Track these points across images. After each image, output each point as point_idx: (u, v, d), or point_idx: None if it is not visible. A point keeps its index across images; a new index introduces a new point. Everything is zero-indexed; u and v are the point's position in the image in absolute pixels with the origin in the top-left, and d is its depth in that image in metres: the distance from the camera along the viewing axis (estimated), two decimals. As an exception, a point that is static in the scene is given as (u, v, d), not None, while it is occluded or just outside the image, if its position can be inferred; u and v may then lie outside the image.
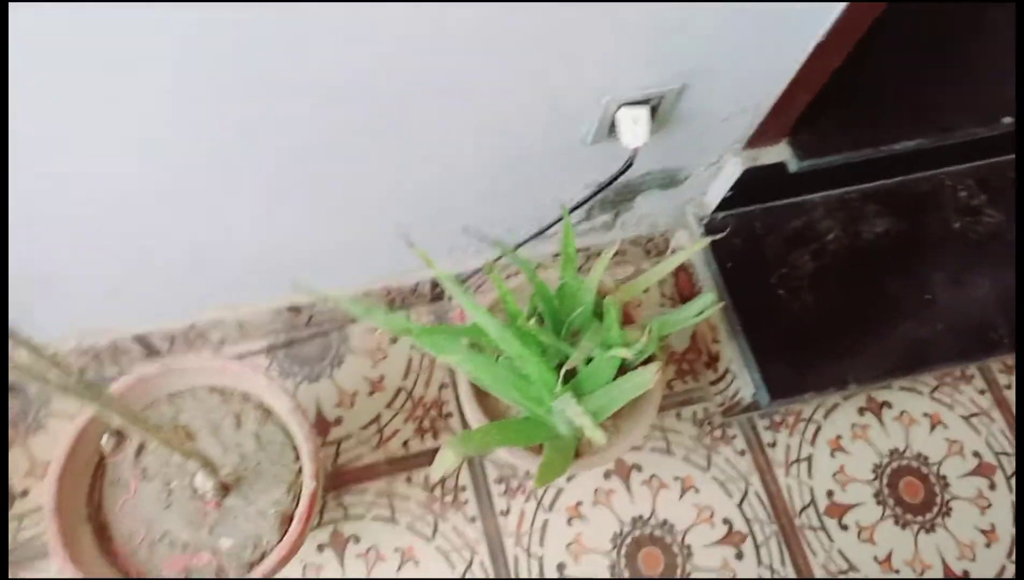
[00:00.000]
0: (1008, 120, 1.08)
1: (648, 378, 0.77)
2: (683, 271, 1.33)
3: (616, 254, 1.35)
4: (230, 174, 0.80)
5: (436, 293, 1.29)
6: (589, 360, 0.87)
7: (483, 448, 0.80)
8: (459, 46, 0.70)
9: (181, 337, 1.18)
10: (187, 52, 0.62)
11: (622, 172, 0.87)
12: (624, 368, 0.89)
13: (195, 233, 0.91)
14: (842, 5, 0.75)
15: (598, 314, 0.98)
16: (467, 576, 1.12)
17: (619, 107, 0.85)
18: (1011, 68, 1.11)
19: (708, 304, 0.88)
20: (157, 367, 0.90)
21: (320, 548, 1.12)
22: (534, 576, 1.13)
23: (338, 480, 1.16)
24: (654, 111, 0.86)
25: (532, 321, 0.80)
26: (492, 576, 1.12)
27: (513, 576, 1.12)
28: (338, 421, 1.21)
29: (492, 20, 0.67)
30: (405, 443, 1.20)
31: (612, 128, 0.89)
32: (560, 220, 0.88)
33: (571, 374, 0.92)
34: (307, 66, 0.67)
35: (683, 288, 1.35)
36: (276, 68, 0.66)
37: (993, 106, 1.08)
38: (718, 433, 1.26)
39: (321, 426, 1.20)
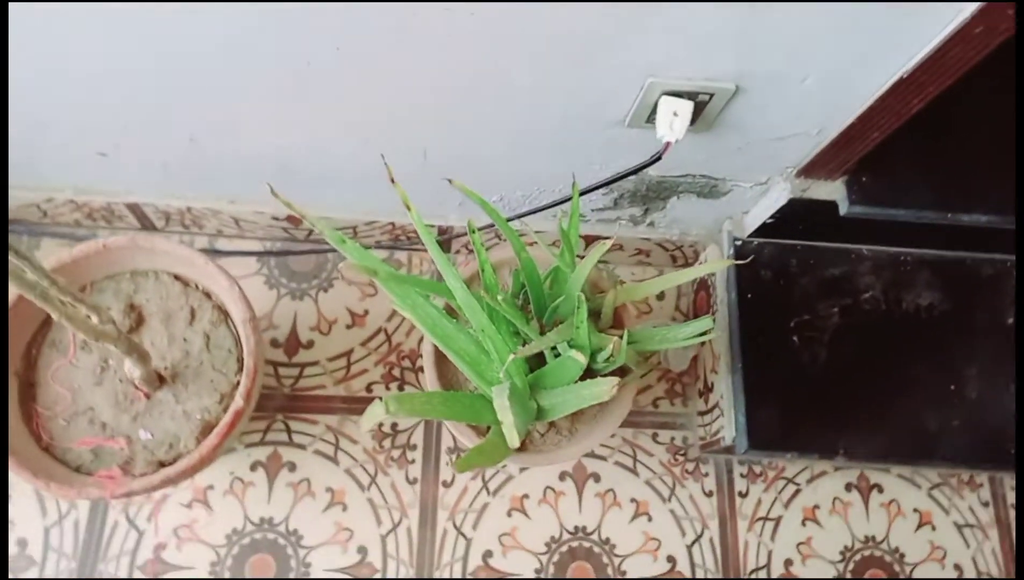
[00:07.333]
0: (1099, 222, 0.95)
1: (603, 390, 0.71)
2: (704, 290, 1.24)
3: (640, 253, 1.27)
4: (252, 57, 0.74)
5: (445, 239, 1.23)
6: (558, 354, 0.80)
7: (422, 413, 0.75)
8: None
9: (176, 217, 1.15)
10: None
11: (647, 164, 0.79)
12: (594, 372, 0.82)
13: (199, 114, 0.87)
14: (933, 44, 0.65)
15: (592, 308, 0.91)
16: (386, 534, 1.08)
17: (661, 94, 0.76)
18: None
19: (700, 330, 0.81)
20: (125, 240, 0.87)
21: (254, 466, 1.09)
22: (458, 555, 1.08)
23: (292, 404, 1.13)
24: (699, 108, 0.78)
25: (504, 297, 0.74)
26: (412, 542, 1.08)
27: (436, 549, 1.08)
28: (310, 344, 1.17)
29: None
30: (369, 386, 1.16)
31: (652, 115, 0.81)
32: (569, 199, 0.81)
33: (542, 362, 0.86)
34: None
35: (700, 307, 1.27)
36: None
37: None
38: (691, 466, 1.18)
39: (291, 345, 1.17)
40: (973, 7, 0.59)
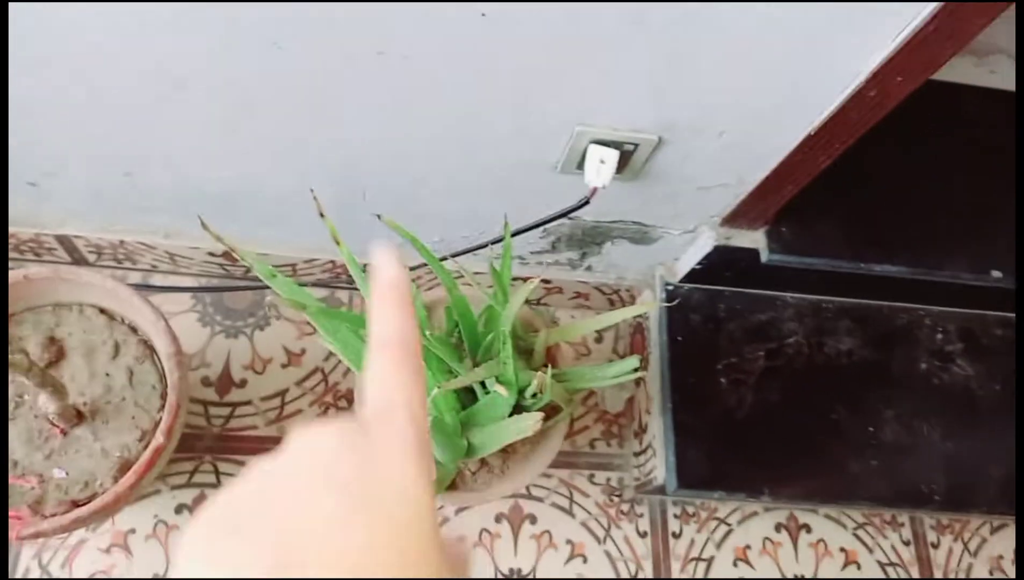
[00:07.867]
0: (997, 274, 1.02)
1: (528, 425, 0.72)
2: (640, 333, 1.27)
3: (579, 296, 1.30)
4: (187, 87, 0.74)
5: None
6: (488, 391, 0.81)
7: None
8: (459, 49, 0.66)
9: (109, 251, 1.13)
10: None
11: (575, 208, 0.82)
12: (523, 409, 0.83)
13: (134, 144, 0.86)
14: (833, 106, 0.70)
15: (525, 347, 0.92)
16: None
17: (589, 142, 0.80)
18: (1010, 224, 1.05)
19: (626, 369, 0.83)
20: (48, 271, 0.85)
21: (179, 509, 1.05)
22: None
23: (222, 444, 1.10)
24: (626, 157, 0.81)
25: (437, 334, 0.75)
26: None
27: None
28: (243, 383, 1.15)
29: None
30: (302, 425, 1.14)
31: (582, 162, 0.84)
32: (501, 240, 0.83)
33: (475, 401, 0.87)
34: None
35: (637, 350, 1.29)
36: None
37: (986, 256, 1.03)
38: (626, 507, 1.19)
39: (223, 384, 1.14)
40: (867, 72, 0.64)
